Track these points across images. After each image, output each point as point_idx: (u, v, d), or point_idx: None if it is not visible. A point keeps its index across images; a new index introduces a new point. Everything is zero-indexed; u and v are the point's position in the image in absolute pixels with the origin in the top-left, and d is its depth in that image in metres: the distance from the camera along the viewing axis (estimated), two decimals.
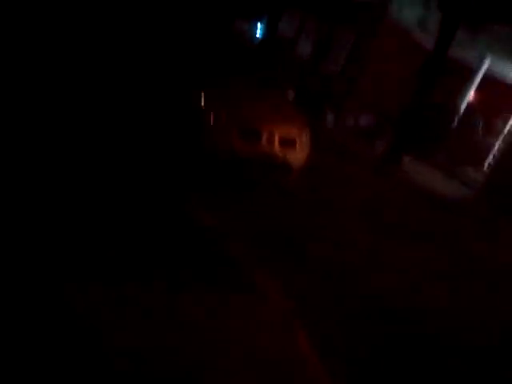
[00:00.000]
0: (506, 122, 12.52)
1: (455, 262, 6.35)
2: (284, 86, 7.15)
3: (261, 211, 5.64)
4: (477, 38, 11.03)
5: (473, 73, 12.07)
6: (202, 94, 6.04)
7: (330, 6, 13.65)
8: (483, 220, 9.00)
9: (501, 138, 12.65)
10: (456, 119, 12.17)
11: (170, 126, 6.11)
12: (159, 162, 5.77)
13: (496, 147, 12.71)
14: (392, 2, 13.02)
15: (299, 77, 13.46)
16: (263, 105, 6.21)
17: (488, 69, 11.85)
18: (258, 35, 16.18)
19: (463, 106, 12.20)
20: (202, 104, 5.99)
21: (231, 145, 5.75)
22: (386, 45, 13.25)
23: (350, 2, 13.35)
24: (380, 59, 13.47)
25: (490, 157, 12.70)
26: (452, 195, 10.32)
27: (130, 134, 6.06)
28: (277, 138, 5.85)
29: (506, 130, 12.62)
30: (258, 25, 16.69)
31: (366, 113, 13.45)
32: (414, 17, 12.58)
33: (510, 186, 9.89)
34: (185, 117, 6.09)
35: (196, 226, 4.73)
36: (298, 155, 6.08)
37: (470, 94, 12.14)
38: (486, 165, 12.75)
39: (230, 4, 16.46)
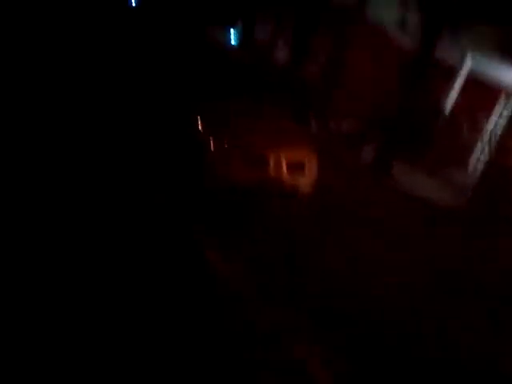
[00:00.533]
0: (489, 121, 12.20)
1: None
2: (281, 100, 6.52)
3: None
4: (459, 38, 10.68)
5: (456, 73, 11.70)
6: (198, 117, 5.39)
7: (304, 10, 13.09)
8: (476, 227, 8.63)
9: (484, 137, 12.34)
10: (441, 120, 11.79)
11: (165, 155, 5.44)
12: (158, 194, 5.10)
13: (480, 147, 12.40)
14: (368, 5, 12.56)
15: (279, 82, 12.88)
16: (266, 125, 5.59)
17: (471, 68, 11.49)
18: (233, 42, 15.51)
19: (448, 107, 11.81)
20: (199, 128, 5.33)
21: (234, 173, 5.11)
22: (364, 47, 12.79)
23: (326, 5, 12.84)
24: (358, 62, 13.02)
25: (475, 157, 12.38)
26: (445, 202, 9.92)
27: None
28: (284, 163, 5.24)
29: (488, 130, 12.31)
30: (232, 31, 16.02)
31: (348, 117, 12.98)
32: (391, 18, 12.14)
33: (497, 189, 9.65)
34: (180, 144, 5.43)
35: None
36: (307, 179, 5.48)
37: (454, 94, 11.76)
38: (471, 165, 12.43)
39: (202, 11, 15.79)
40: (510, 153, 10.44)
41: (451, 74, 11.79)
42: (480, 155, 12.08)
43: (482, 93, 11.89)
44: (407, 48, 12.82)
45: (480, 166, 11.72)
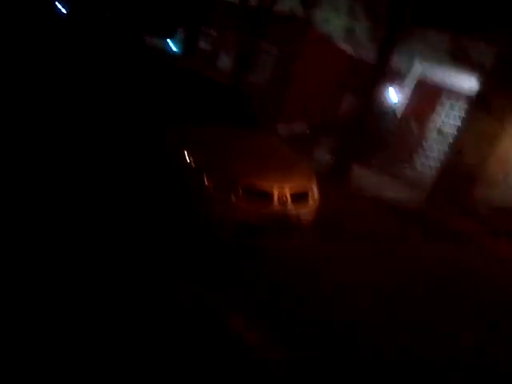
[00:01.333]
0: (433, 122, 12.22)
1: None
2: (264, 122, 5.84)
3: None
4: (408, 44, 10.53)
5: (404, 76, 11.58)
6: (184, 148, 4.56)
7: (251, 18, 12.43)
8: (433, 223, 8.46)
9: (429, 136, 12.35)
10: (393, 122, 11.65)
11: (142, 196, 4.55)
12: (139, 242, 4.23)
13: (424, 145, 12.39)
14: (317, 14, 12.14)
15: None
16: (262, 154, 4.86)
17: (420, 73, 11.42)
18: (174, 48, 14.51)
19: (399, 110, 11.69)
20: (189, 162, 4.50)
21: (237, 212, 4.35)
22: (312, 56, 12.35)
23: (272, 13, 12.24)
24: (306, 70, 12.58)
25: (421, 155, 12.34)
26: (405, 200, 9.72)
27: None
28: (289, 195, 4.56)
29: (431, 131, 12.32)
30: (169, 41, 15.00)
31: (298, 121, 12.52)
32: (340, 27, 11.83)
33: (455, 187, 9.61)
34: (159, 181, 4.55)
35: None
36: (311, 208, 4.83)
37: (404, 97, 11.65)
38: (418, 163, 12.40)
39: (140, 21, 14.61)
40: (463, 150, 10.37)
41: (401, 78, 11.68)
42: (428, 153, 12.11)
43: (429, 95, 11.89)
44: (353, 55, 12.59)
45: (431, 164, 11.75)
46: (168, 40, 14.57)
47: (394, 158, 11.68)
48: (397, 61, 10.93)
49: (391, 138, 11.70)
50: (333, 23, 12.14)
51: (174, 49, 14.21)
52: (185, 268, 4.08)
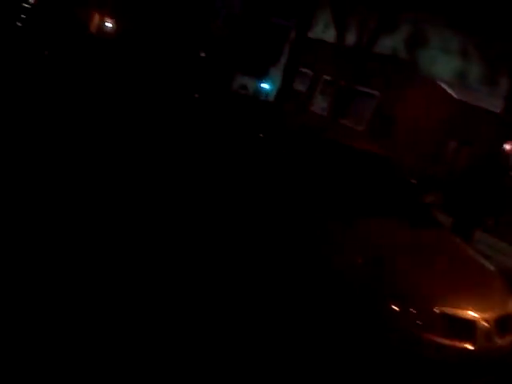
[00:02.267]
0: None
1: None
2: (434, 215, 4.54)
3: None
4: None
5: None
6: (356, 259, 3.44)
7: (348, 58, 11.31)
8: None
9: None
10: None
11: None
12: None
13: None
14: (422, 54, 10.84)
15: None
16: (450, 265, 3.63)
17: None
18: (265, 92, 13.63)
19: None
20: (362, 279, 3.37)
21: (429, 346, 3.14)
22: (415, 100, 11.00)
23: (372, 54, 11.07)
24: (408, 115, 11.24)
25: None
26: None
27: None
28: (494, 325, 3.31)
29: None
30: (261, 81, 14.10)
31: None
32: (449, 69, 10.42)
33: None
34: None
35: None
36: None
37: None
38: None
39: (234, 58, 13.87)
40: None
41: None
42: None
43: None
44: (466, 101, 11.08)
45: None
46: (262, 82, 13.64)
47: None
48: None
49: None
50: (440, 64, 10.74)
51: (268, 88, 13.27)
52: None
